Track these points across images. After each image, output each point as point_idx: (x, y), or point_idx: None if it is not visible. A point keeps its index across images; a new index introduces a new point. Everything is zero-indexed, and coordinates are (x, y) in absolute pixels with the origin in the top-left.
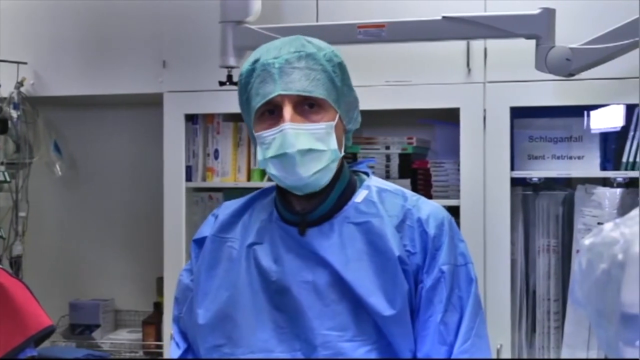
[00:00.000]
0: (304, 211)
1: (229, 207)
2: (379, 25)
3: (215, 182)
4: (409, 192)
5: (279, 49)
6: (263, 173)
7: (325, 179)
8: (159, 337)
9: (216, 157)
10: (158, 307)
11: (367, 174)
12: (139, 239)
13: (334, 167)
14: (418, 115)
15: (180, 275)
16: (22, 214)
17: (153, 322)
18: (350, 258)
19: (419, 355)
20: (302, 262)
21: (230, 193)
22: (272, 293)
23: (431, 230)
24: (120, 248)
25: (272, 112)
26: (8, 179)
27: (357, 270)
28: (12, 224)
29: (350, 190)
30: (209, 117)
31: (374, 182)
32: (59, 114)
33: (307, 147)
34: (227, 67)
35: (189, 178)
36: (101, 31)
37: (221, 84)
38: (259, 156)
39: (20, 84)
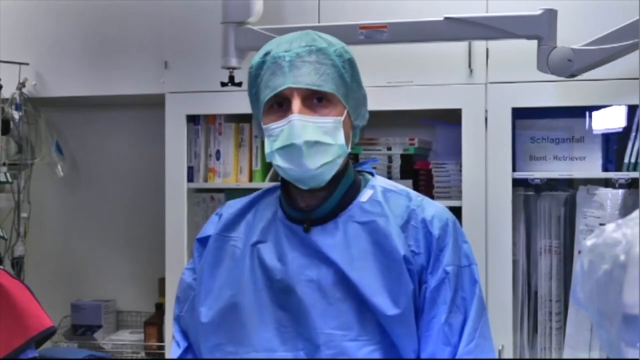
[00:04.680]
0: (308, 208)
1: (232, 206)
2: (381, 26)
3: (216, 183)
4: (413, 193)
5: (290, 42)
6: (264, 174)
7: (331, 173)
8: (160, 338)
9: (218, 158)
10: (160, 307)
11: (371, 173)
12: (140, 239)
13: (340, 162)
14: (420, 116)
15: (182, 274)
16: (23, 214)
17: (155, 322)
18: (355, 257)
19: (423, 356)
20: (306, 260)
21: (232, 194)
22: (277, 292)
23: (435, 231)
24: (122, 249)
25: (280, 105)
26: (10, 180)
27: (361, 270)
28: (14, 224)
29: (354, 189)
30: (211, 118)
31: (379, 182)
32: (61, 114)
33: (314, 139)
34: (229, 68)
35: (190, 179)
36: (103, 32)
37: (223, 84)
38: (267, 149)
39: (22, 84)
